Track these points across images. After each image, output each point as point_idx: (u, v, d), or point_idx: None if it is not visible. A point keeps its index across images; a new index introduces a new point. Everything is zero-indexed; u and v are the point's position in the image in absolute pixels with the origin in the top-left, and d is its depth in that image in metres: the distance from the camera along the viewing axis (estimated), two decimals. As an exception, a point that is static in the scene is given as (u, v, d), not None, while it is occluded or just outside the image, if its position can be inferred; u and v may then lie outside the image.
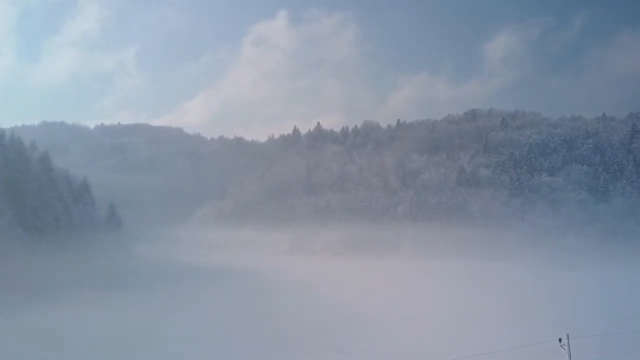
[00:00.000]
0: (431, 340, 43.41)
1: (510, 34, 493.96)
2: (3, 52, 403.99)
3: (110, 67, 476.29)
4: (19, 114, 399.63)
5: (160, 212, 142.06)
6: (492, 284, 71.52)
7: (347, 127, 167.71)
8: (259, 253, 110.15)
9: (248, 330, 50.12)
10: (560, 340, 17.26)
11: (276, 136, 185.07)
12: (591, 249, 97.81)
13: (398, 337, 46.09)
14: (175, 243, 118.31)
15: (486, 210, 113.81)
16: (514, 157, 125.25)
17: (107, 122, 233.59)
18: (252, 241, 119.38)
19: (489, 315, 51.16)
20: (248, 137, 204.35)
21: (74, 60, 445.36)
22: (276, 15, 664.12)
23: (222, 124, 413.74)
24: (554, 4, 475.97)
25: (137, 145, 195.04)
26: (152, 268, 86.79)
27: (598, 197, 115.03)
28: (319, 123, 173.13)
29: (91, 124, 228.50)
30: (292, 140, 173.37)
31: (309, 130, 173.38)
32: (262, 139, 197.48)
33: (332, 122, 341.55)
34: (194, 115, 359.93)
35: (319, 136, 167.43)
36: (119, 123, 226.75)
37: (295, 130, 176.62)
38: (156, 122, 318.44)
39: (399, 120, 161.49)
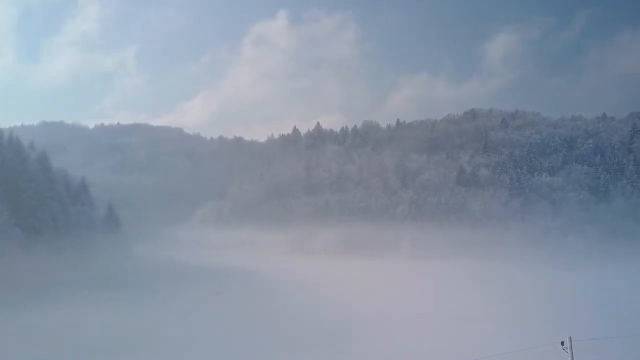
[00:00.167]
0: (431, 341, 43.21)
1: (510, 34, 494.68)
2: (3, 52, 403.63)
3: (110, 67, 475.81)
4: (18, 113, 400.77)
5: (159, 212, 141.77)
6: (492, 285, 71.29)
7: (346, 127, 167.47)
8: (258, 253, 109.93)
9: (248, 331, 49.98)
10: (562, 343, 16.95)
11: (276, 136, 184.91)
12: (591, 249, 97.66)
13: (398, 337, 45.91)
14: (174, 243, 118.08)
15: (486, 210, 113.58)
16: (514, 157, 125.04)
17: (106, 122, 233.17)
18: (251, 241, 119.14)
19: (489, 316, 50.94)
20: (248, 137, 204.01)
21: (74, 60, 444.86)
22: (276, 15, 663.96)
23: (221, 124, 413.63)
24: (554, 4, 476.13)
25: (136, 145, 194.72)
26: (152, 268, 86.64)
27: (598, 197, 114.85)
28: (318, 123, 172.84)
29: (91, 124, 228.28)
30: (292, 140, 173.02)
31: (309, 130, 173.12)
32: (262, 139, 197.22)
33: (332, 122, 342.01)
34: (193, 115, 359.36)
35: (319, 136, 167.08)
36: (118, 123, 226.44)
37: (295, 130, 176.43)
38: (156, 122, 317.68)
39: (398, 120, 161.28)
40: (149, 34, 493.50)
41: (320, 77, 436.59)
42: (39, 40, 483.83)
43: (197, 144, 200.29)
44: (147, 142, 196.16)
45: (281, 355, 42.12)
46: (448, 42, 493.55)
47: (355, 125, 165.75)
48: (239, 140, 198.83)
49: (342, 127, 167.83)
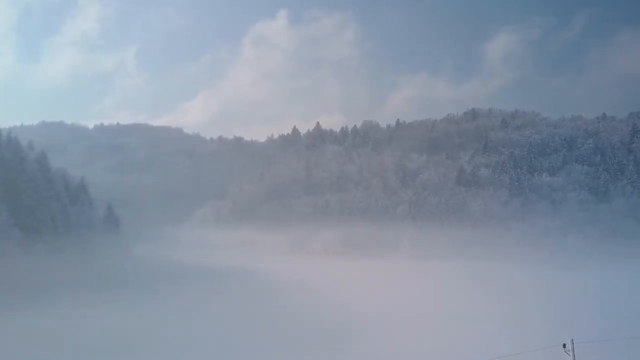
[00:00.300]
0: (431, 341, 43.10)
1: (510, 34, 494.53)
2: (3, 52, 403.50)
3: (110, 67, 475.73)
4: (18, 113, 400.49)
5: (159, 212, 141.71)
6: (492, 285, 71.23)
7: (346, 127, 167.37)
8: (258, 253, 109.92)
9: (248, 331, 49.91)
10: (564, 345, 16.83)
11: (275, 136, 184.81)
12: (591, 249, 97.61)
13: (398, 338, 45.82)
14: (174, 243, 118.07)
15: (486, 210, 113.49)
16: (514, 157, 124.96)
17: (106, 122, 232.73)
18: (251, 241, 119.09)
19: (489, 316, 50.85)
20: (247, 137, 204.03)
21: (74, 60, 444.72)
22: (276, 15, 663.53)
23: (221, 124, 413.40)
24: (554, 4, 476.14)
25: (136, 145, 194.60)
26: (151, 268, 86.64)
27: (598, 197, 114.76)
28: (318, 123, 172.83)
29: (90, 124, 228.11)
30: (292, 140, 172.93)
31: (309, 130, 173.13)
32: (262, 139, 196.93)
33: (332, 122, 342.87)
34: (193, 115, 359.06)
35: (319, 136, 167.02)
36: (118, 123, 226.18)
37: (295, 130, 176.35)
38: (156, 122, 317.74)
39: (398, 120, 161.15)
40: (149, 34, 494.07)
41: (320, 77, 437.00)
42: (39, 40, 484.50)
43: (197, 144, 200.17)
44: (147, 142, 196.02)
45: (281, 355, 42.04)
46: (448, 42, 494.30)
47: (355, 125, 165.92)
48: (238, 140, 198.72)
49: (342, 127, 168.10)
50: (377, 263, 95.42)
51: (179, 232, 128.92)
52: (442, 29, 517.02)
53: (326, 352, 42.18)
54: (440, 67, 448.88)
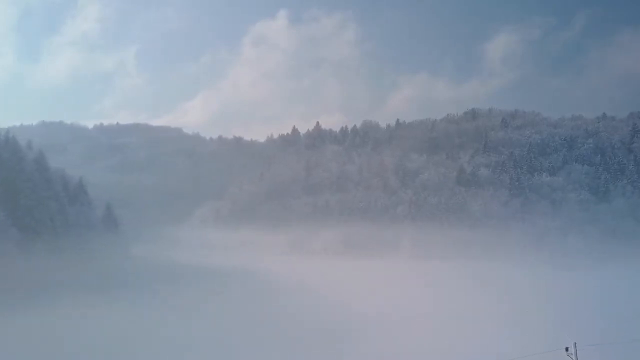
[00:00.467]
0: (431, 341, 43.05)
1: (510, 34, 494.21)
2: (3, 52, 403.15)
3: (110, 67, 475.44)
4: (18, 113, 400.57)
5: (159, 212, 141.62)
6: (492, 285, 71.17)
7: (346, 127, 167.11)
8: (258, 253, 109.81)
9: (248, 331, 49.86)
10: (567, 349, 16.71)
11: (275, 136, 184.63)
12: (591, 249, 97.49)
13: (398, 337, 45.78)
14: (174, 243, 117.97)
15: (486, 210, 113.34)
16: (514, 157, 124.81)
17: (106, 122, 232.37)
18: (251, 241, 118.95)
19: (489, 316, 50.80)
20: (247, 137, 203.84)
21: (74, 60, 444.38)
22: (276, 15, 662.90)
23: (221, 124, 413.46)
24: (554, 4, 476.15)
25: (136, 145, 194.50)
26: (151, 268, 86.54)
27: (598, 197, 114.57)
28: (318, 123, 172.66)
29: (90, 124, 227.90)
30: (291, 140, 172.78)
31: (308, 130, 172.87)
32: (261, 139, 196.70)
33: (332, 122, 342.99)
34: (193, 115, 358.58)
35: (318, 136, 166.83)
36: (118, 123, 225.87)
37: (295, 130, 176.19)
38: (155, 122, 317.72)
39: (398, 120, 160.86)
40: (149, 34, 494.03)
41: (320, 77, 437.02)
42: (39, 40, 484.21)
43: (196, 144, 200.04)
44: (146, 142, 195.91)
45: (281, 355, 42.00)
46: (448, 42, 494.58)
47: (355, 125, 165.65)
48: (238, 140, 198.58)
49: (342, 127, 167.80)
50: (377, 263, 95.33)
51: (178, 232, 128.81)
52: (442, 29, 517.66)
53: (326, 352, 42.13)
54: (440, 67, 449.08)
